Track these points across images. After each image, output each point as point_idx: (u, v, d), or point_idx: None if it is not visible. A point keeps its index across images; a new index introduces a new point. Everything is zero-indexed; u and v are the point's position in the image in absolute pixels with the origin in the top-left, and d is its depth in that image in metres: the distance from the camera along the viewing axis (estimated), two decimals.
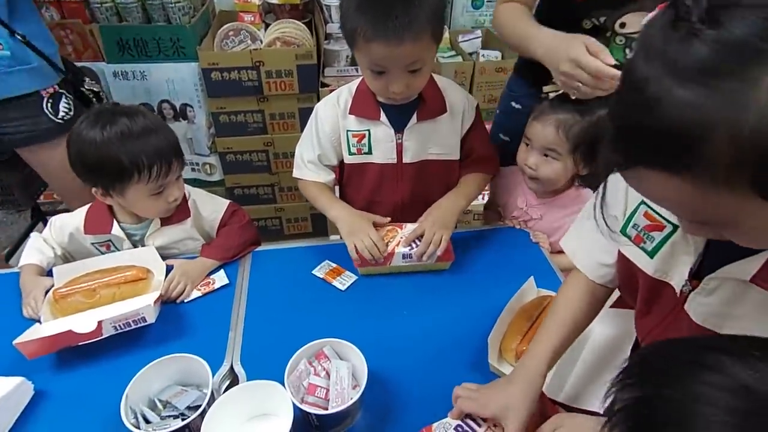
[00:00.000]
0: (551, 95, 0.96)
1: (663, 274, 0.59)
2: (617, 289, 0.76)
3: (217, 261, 1.02)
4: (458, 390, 0.70)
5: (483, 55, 1.98)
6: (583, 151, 0.97)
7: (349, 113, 1.02)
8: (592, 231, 0.69)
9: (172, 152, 0.92)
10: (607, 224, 0.55)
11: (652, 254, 0.60)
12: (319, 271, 1.02)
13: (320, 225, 2.20)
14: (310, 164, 1.07)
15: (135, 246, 1.03)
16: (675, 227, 0.57)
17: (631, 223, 0.62)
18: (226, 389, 0.78)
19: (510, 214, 1.19)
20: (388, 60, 0.86)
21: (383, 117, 1.01)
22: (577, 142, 0.96)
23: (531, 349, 0.72)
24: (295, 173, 1.11)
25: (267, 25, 1.81)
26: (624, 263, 0.65)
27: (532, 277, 0.95)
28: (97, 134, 0.87)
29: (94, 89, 1.38)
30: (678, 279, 0.58)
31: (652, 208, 0.59)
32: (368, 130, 1.02)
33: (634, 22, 0.93)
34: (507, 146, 1.23)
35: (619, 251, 0.66)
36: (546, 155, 1.01)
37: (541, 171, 1.03)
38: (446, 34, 2.05)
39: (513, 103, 1.20)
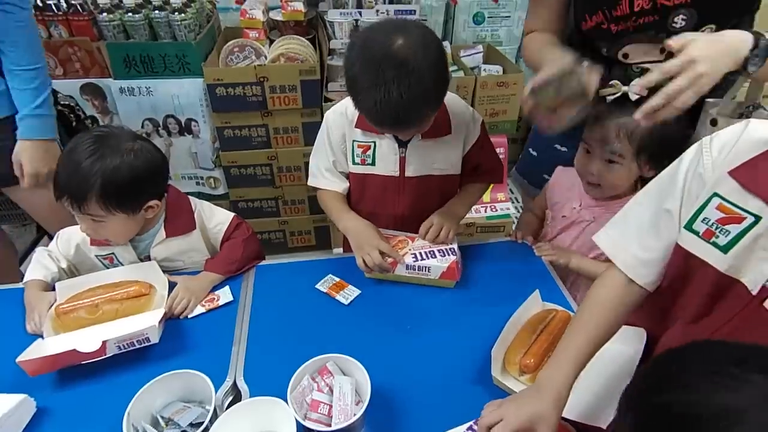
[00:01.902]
0: (608, 98, 0.91)
1: (736, 271, 0.56)
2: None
3: (220, 275, 1.02)
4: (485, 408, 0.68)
5: (484, 70, 2.00)
6: (650, 154, 0.93)
7: (356, 127, 1.03)
8: (637, 226, 0.68)
9: (68, 190, 0.88)
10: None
11: (726, 249, 0.56)
12: (323, 286, 1.02)
13: (323, 238, 2.20)
14: (326, 172, 1.10)
15: (139, 257, 1.03)
16: (757, 218, 0.54)
17: (701, 217, 0.59)
18: (229, 405, 0.77)
19: (559, 215, 1.12)
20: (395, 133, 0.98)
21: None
22: (642, 144, 0.92)
23: (557, 356, 0.69)
24: (310, 181, 1.13)
25: (271, 42, 1.84)
26: (681, 260, 0.62)
27: (537, 290, 0.95)
28: (73, 142, 0.92)
29: (70, 104, 1.37)
30: (755, 275, 0.55)
31: (727, 200, 0.57)
32: (374, 142, 1.04)
33: (637, 52, 0.94)
34: (534, 160, 1.23)
35: (678, 247, 0.62)
36: (609, 161, 0.96)
37: (605, 179, 0.98)
38: (448, 50, 2.08)
39: None
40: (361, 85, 0.82)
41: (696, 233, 0.59)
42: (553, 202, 1.16)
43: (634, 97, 0.87)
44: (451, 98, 1.03)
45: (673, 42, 0.72)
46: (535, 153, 1.25)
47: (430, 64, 0.81)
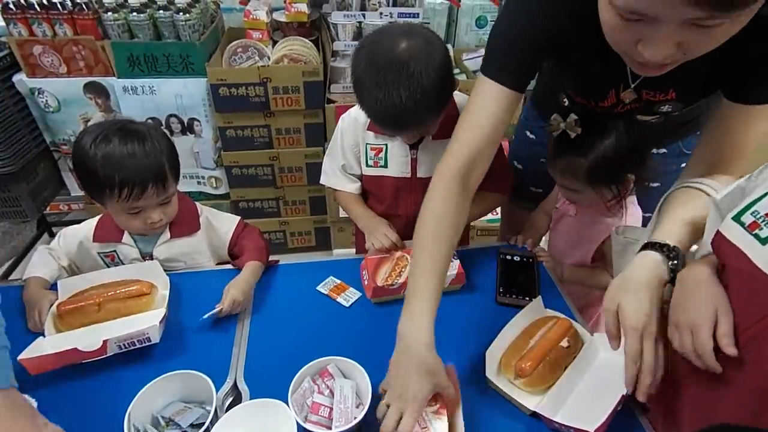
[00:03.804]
0: (554, 134, 0.95)
1: None
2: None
3: (258, 262, 1.02)
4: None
5: None
6: (603, 181, 0.94)
7: (368, 130, 1.06)
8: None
9: (150, 179, 0.90)
10: None
11: (765, 241, 0.56)
12: (324, 288, 1.02)
13: (324, 239, 2.20)
14: (339, 172, 1.14)
15: (142, 256, 1.04)
16: None
17: (751, 210, 0.59)
18: (229, 406, 0.78)
19: (552, 204, 1.16)
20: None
21: None
22: (589, 178, 0.93)
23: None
24: (322, 180, 1.18)
25: (274, 43, 1.85)
26: (723, 250, 0.61)
27: (539, 297, 0.95)
28: (88, 142, 0.89)
29: None
30: None
31: None
32: (385, 145, 1.06)
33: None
34: (520, 173, 1.23)
35: (718, 235, 0.61)
36: (570, 190, 1.01)
37: (574, 200, 1.04)
38: (451, 53, 2.08)
39: (527, 133, 1.20)
40: (365, 85, 0.85)
41: (742, 225, 0.58)
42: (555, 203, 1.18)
43: (572, 135, 0.91)
44: (462, 99, 1.04)
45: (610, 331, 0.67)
46: (520, 166, 1.25)
47: (432, 69, 0.83)
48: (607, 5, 0.57)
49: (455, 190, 0.77)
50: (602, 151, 0.90)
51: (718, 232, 0.61)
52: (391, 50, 0.82)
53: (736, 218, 0.59)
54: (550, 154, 0.99)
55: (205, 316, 0.91)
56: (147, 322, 0.85)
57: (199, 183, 2.00)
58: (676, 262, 0.66)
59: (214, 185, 2.01)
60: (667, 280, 0.67)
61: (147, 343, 0.85)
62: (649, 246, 0.69)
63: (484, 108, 0.78)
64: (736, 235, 0.59)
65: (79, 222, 1.07)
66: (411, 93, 0.81)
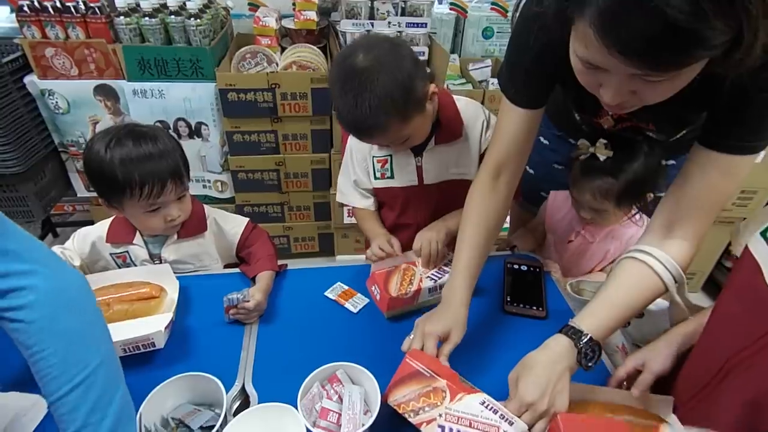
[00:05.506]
0: (581, 157, 0.97)
1: None
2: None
3: (271, 270, 1.04)
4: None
5: (492, 84, 2.02)
6: (631, 200, 0.98)
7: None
8: None
9: (168, 175, 0.93)
10: None
11: None
12: (331, 293, 1.03)
13: (327, 245, 2.21)
14: (352, 190, 1.15)
15: (151, 257, 1.04)
16: None
17: None
18: (237, 410, 0.78)
19: (565, 240, 1.14)
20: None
21: None
22: (620, 197, 0.96)
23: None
24: (338, 198, 1.20)
25: (283, 49, 1.87)
26: (743, 264, 0.62)
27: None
28: (101, 148, 0.90)
29: None
30: None
31: None
32: (390, 156, 1.07)
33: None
34: (531, 178, 1.25)
35: (746, 251, 0.62)
36: (595, 210, 1.02)
37: (596, 221, 1.05)
38: (457, 62, 2.11)
39: (540, 138, 1.20)
40: (333, 95, 0.90)
41: (766, 240, 0.60)
42: (555, 227, 1.17)
43: (602, 158, 0.94)
44: (464, 103, 1.06)
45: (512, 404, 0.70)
46: (532, 171, 1.26)
47: (387, 77, 0.84)
48: (573, 53, 0.62)
49: (487, 187, 0.90)
50: (632, 174, 0.93)
51: (746, 246, 0.63)
52: (352, 61, 0.86)
53: (763, 233, 0.60)
54: (576, 177, 1.00)
55: (230, 296, 0.92)
56: (153, 326, 0.86)
57: (204, 186, 2.01)
58: (588, 354, 0.70)
59: (220, 189, 2.02)
60: (574, 365, 0.70)
61: (151, 348, 0.85)
62: (564, 330, 0.72)
63: (504, 124, 0.87)
64: (758, 250, 0.60)
65: (83, 223, 1.08)
66: (364, 99, 0.84)
